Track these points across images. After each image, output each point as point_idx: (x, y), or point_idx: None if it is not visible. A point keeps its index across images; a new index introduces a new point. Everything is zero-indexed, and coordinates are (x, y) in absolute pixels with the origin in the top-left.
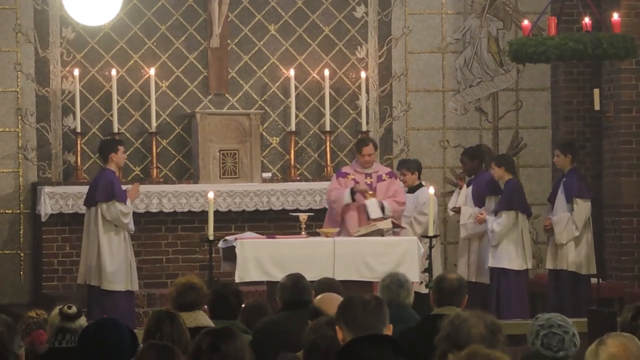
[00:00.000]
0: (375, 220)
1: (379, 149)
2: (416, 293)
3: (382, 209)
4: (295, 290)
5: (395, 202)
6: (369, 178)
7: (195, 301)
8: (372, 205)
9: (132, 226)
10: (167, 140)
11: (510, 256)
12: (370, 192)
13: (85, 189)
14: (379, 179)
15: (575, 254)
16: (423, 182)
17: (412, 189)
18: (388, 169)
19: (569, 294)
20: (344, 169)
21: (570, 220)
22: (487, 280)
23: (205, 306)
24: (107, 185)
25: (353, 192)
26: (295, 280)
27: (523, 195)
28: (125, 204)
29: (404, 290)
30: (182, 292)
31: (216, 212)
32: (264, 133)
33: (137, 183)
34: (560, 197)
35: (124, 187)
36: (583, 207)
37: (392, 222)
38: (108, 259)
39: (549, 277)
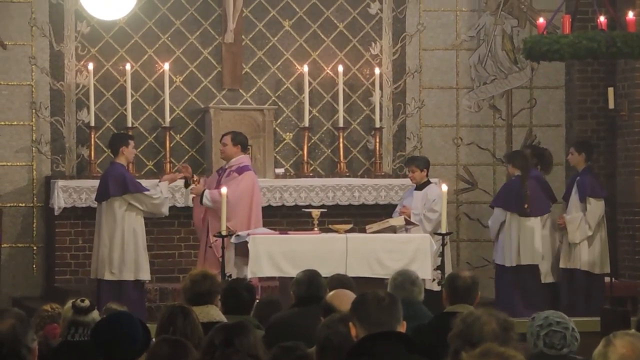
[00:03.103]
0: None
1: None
2: (428, 290)
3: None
4: (310, 287)
5: (217, 192)
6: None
7: (210, 290)
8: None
9: (165, 210)
10: (181, 135)
11: (497, 252)
12: (195, 179)
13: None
14: (228, 174)
15: (588, 253)
16: (431, 180)
17: (420, 186)
18: (243, 164)
19: (582, 293)
20: None
21: (584, 219)
22: None
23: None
24: (118, 178)
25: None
26: (311, 277)
27: (513, 192)
28: (142, 193)
29: (415, 287)
30: (197, 281)
31: None
32: (277, 129)
33: (185, 171)
34: (574, 196)
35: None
36: (596, 207)
37: (405, 220)
38: (118, 250)
39: (561, 276)
